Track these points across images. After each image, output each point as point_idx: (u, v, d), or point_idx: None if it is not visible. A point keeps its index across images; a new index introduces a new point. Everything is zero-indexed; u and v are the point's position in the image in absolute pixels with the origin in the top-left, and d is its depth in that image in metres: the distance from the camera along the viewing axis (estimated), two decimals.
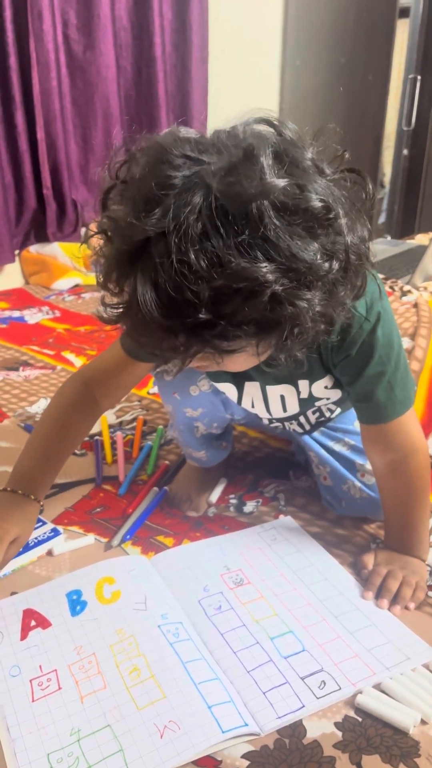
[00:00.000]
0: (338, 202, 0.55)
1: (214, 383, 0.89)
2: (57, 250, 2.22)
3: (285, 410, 0.87)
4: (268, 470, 1.09)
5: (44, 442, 0.89)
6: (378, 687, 0.69)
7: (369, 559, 0.84)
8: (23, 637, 0.75)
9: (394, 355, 0.74)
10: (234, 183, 0.51)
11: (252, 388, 0.85)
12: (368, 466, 0.90)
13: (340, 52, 2.79)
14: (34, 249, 2.25)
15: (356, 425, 0.95)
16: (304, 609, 0.79)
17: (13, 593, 0.82)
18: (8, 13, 1.95)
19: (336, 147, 0.60)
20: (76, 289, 2.20)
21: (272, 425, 0.97)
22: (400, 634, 0.75)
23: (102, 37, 2.15)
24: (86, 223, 2.33)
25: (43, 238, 2.25)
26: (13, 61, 2.00)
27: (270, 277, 0.51)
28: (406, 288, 1.82)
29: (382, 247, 2.25)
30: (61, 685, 0.69)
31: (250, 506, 1.00)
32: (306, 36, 2.78)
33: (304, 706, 0.67)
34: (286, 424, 0.94)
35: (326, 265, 0.55)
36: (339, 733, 0.65)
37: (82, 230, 2.32)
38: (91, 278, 2.25)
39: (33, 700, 0.68)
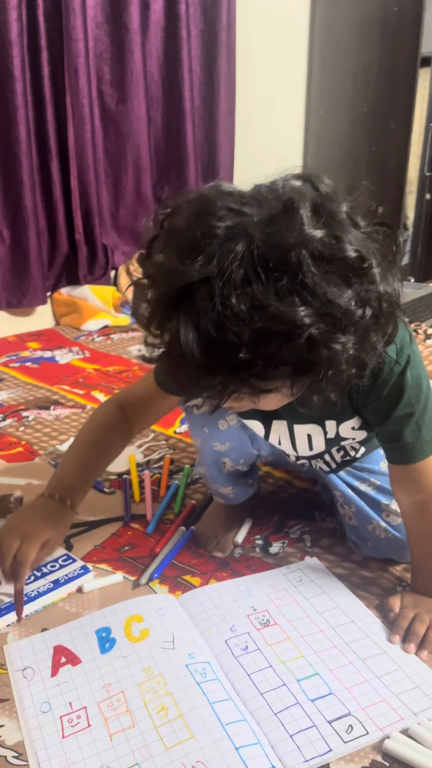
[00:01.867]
0: (371, 253, 0.58)
1: (242, 419, 0.91)
2: (87, 293, 2.28)
3: (311, 449, 0.89)
4: (294, 511, 1.10)
5: (81, 455, 0.93)
6: (406, 732, 0.69)
7: (395, 602, 0.85)
8: (54, 673, 0.77)
9: (422, 397, 0.76)
10: (274, 233, 0.54)
11: (280, 427, 0.87)
12: (393, 506, 0.91)
13: (363, 102, 2.87)
14: (65, 291, 2.32)
15: (382, 465, 0.96)
16: (330, 651, 0.79)
17: (43, 629, 0.84)
18: (46, 71, 2.06)
19: (369, 202, 0.63)
20: (105, 330, 2.26)
21: (298, 462, 0.98)
22: (428, 679, 0.75)
23: (134, 91, 2.26)
24: (116, 266, 2.41)
25: (74, 280, 2.32)
26: (50, 114, 2.11)
27: (307, 320, 0.54)
28: (430, 331, 1.84)
29: (405, 290, 2.27)
30: (90, 722, 0.70)
31: (276, 547, 1.01)
32: (329, 86, 2.88)
33: (331, 750, 0.67)
34: (312, 462, 0.96)
35: (360, 311, 0.57)
36: None
37: (112, 273, 2.39)
38: (120, 320, 2.31)
39: (63, 737, 0.69)
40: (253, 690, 0.74)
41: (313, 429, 0.86)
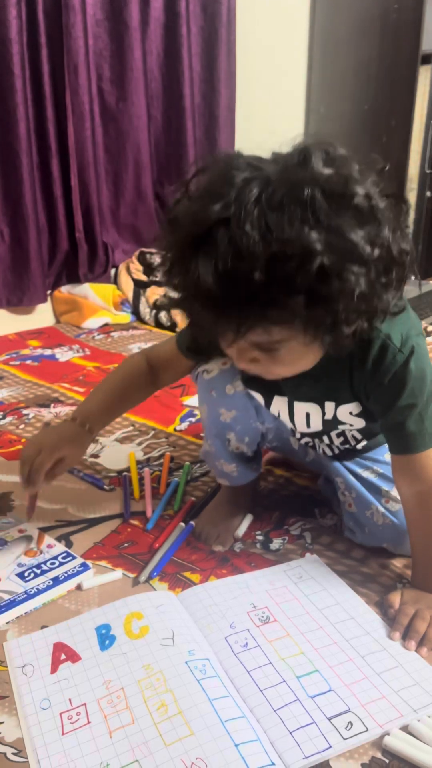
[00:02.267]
0: (381, 204, 0.62)
1: (247, 388, 0.93)
2: (87, 291, 2.28)
3: (308, 426, 0.91)
4: (294, 508, 1.10)
5: (106, 394, 1.00)
6: (405, 729, 0.69)
7: (395, 598, 0.85)
8: (53, 670, 0.77)
9: (426, 389, 0.77)
10: (289, 175, 0.60)
11: (280, 402, 0.90)
12: (394, 492, 0.92)
13: (363, 99, 2.86)
14: (65, 289, 2.32)
15: (387, 457, 0.97)
16: (330, 648, 0.79)
17: (43, 627, 0.84)
18: (46, 68, 2.06)
19: (376, 157, 0.67)
20: (106, 328, 2.25)
21: (302, 441, 1.00)
22: (428, 676, 0.75)
23: (134, 89, 2.26)
24: (116, 264, 2.41)
25: (74, 278, 2.32)
26: (50, 112, 2.10)
27: (318, 246, 0.57)
28: (431, 329, 1.83)
29: (406, 288, 2.27)
30: (90, 719, 0.70)
31: (276, 543, 1.01)
32: (330, 84, 2.87)
33: (331, 747, 0.67)
34: (316, 442, 0.97)
35: (369, 249, 0.60)
36: None
37: (112, 271, 2.39)
38: (120, 317, 2.31)
39: (63, 734, 0.69)
40: (253, 687, 0.74)
41: (312, 408, 0.88)
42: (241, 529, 1.03)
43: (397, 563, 0.96)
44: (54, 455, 0.91)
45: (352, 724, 0.69)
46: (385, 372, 0.76)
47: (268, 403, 0.92)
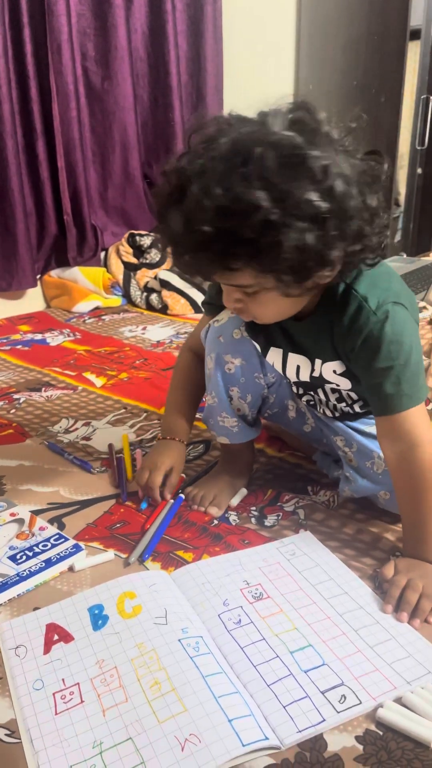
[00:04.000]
0: (342, 164, 0.67)
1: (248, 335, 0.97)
2: (77, 274, 2.26)
3: (298, 377, 0.95)
4: (288, 486, 1.10)
5: (175, 400, 1.11)
6: (399, 701, 0.69)
7: (389, 570, 0.84)
8: (46, 651, 0.77)
9: (404, 353, 0.80)
10: (251, 133, 0.66)
11: (275, 354, 0.95)
12: None
13: (352, 76, 2.83)
14: (55, 273, 2.30)
15: None
16: (323, 623, 0.79)
17: (35, 608, 0.84)
18: (29, 48, 2.02)
19: (358, 114, 0.73)
20: (96, 312, 2.24)
21: (303, 399, 1.03)
22: (421, 648, 0.75)
23: (119, 68, 2.22)
24: (106, 247, 2.38)
25: (63, 262, 2.30)
26: (34, 93, 2.07)
27: (264, 203, 0.63)
28: (421, 305, 1.82)
29: (397, 265, 2.25)
30: (83, 698, 0.70)
31: (271, 520, 1.01)
32: (318, 60, 2.83)
33: (324, 720, 0.67)
34: (316, 399, 0.99)
35: (320, 204, 0.65)
36: (360, 747, 0.64)
37: (102, 254, 2.37)
38: (111, 301, 2.29)
39: (56, 713, 0.69)
40: (247, 663, 0.74)
41: (302, 361, 0.93)
42: (236, 499, 1.04)
43: (390, 536, 0.96)
44: (162, 471, 1.04)
45: (345, 698, 0.69)
46: (358, 331, 0.80)
47: (264, 353, 0.96)
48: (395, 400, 0.81)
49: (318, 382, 0.94)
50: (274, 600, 0.83)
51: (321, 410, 1.01)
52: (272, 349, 0.95)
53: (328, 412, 1.00)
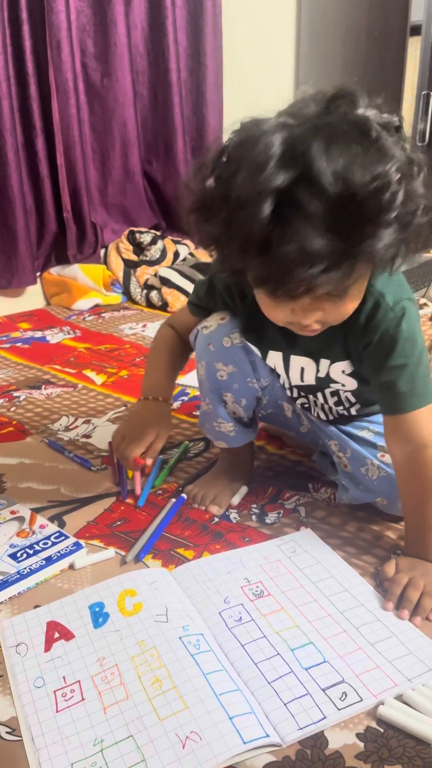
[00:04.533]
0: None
1: (244, 340, 0.93)
2: (77, 272, 2.26)
3: (302, 379, 0.93)
4: (288, 483, 1.10)
5: (160, 362, 1.05)
6: (400, 698, 0.69)
7: (390, 568, 0.84)
8: (47, 648, 0.77)
9: (417, 351, 0.79)
10: (344, 114, 0.62)
11: (275, 357, 0.93)
12: None
13: (352, 71, 2.82)
14: (55, 271, 2.29)
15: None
16: (324, 620, 0.79)
17: (36, 606, 0.84)
18: (28, 44, 2.01)
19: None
20: (96, 309, 2.23)
21: (298, 402, 1.01)
22: (422, 645, 0.75)
23: (119, 65, 2.21)
24: (106, 244, 2.38)
25: (63, 260, 2.29)
26: (33, 90, 2.06)
27: (395, 176, 0.60)
28: (423, 301, 1.82)
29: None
30: (84, 696, 0.70)
31: (271, 517, 1.00)
32: (318, 56, 2.82)
33: (325, 718, 0.67)
34: (311, 401, 0.98)
35: (412, 168, 0.63)
36: (361, 744, 0.64)
37: (102, 251, 2.36)
38: (111, 298, 2.29)
39: (57, 711, 0.69)
40: (247, 660, 0.73)
41: (307, 363, 0.90)
42: (237, 498, 1.04)
43: (392, 534, 0.95)
44: (143, 445, 0.97)
45: (346, 695, 0.69)
46: (375, 328, 0.78)
47: (264, 356, 0.94)
48: (408, 398, 0.80)
49: (323, 384, 0.92)
50: (275, 597, 0.83)
51: (315, 413, 1.01)
52: (271, 352, 0.93)
53: (323, 415, 1.00)
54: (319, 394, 0.96)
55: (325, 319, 0.74)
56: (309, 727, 0.66)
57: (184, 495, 1.05)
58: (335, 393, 0.94)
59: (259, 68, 2.69)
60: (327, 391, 0.94)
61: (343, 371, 0.88)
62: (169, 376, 1.05)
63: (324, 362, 0.88)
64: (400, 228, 0.62)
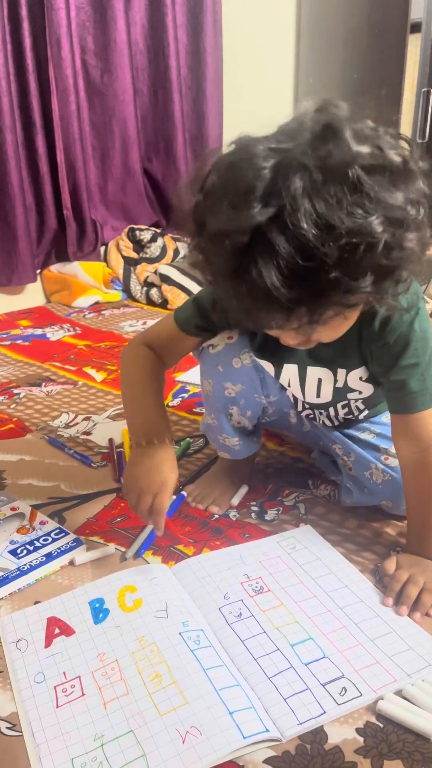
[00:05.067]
0: (415, 164, 0.61)
1: (256, 359, 0.91)
2: (77, 269, 2.26)
3: (318, 395, 0.91)
4: (288, 480, 1.10)
5: (144, 397, 0.93)
6: (399, 693, 0.69)
7: (390, 565, 0.84)
8: (47, 644, 0.77)
9: (429, 350, 0.79)
10: (325, 157, 0.57)
11: (291, 370, 0.90)
12: (393, 449, 0.91)
13: (352, 68, 2.81)
14: (55, 268, 2.29)
15: (384, 419, 0.97)
16: (323, 616, 0.79)
17: (36, 602, 0.84)
18: (27, 41, 2.01)
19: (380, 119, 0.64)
20: (96, 307, 2.24)
21: (303, 414, 1.00)
22: (421, 641, 0.75)
23: (119, 62, 2.21)
24: (105, 242, 2.38)
25: (63, 257, 2.29)
26: (33, 87, 2.06)
27: (380, 228, 0.57)
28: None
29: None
30: (84, 691, 0.70)
31: (271, 514, 1.01)
32: (319, 53, 2.82)
33: (325, 713, 0.67)
34: (317, 413, 0.97)
35: (413, 210, 0.60)
36: (360, 739, 0.65)
37: (102, 249, 2.37)
38: (111, 296, 2.29)
39: (57, 706, 0.69)
40: (247, 655, 0.74)
41: (324, 374, 0.88)
42: (237, 498, 1.03)
43: (391, 531, 0.95)
44: (151, 494, 0.85)
45: (346, 690, 0.69)
46: (392, 331, 0.78)
47: (278, 373, 0.92)
48: (420, 397, 0.80)
49: (339, 397, 0.91)
50: (275, 593, 0.83)
51: (320, 421, 1.00)
52: (286, 366, 0.90)
53: (328, 422, 0.99)
54: (331, 409, 0.95)
55: (316, 338, 0.72)
56: (309, 722, 0.66)
57: (184, 492, 1.05)
58: (346, 405, 0.93)
59: (259, 65, 2.68)
60: (339, 405, 0.93)
61: (361, 378, 0.87)
62: (163, 410, 0.93)
63: (341, 372, 0.87)
64: (379, 276, 0.60)
